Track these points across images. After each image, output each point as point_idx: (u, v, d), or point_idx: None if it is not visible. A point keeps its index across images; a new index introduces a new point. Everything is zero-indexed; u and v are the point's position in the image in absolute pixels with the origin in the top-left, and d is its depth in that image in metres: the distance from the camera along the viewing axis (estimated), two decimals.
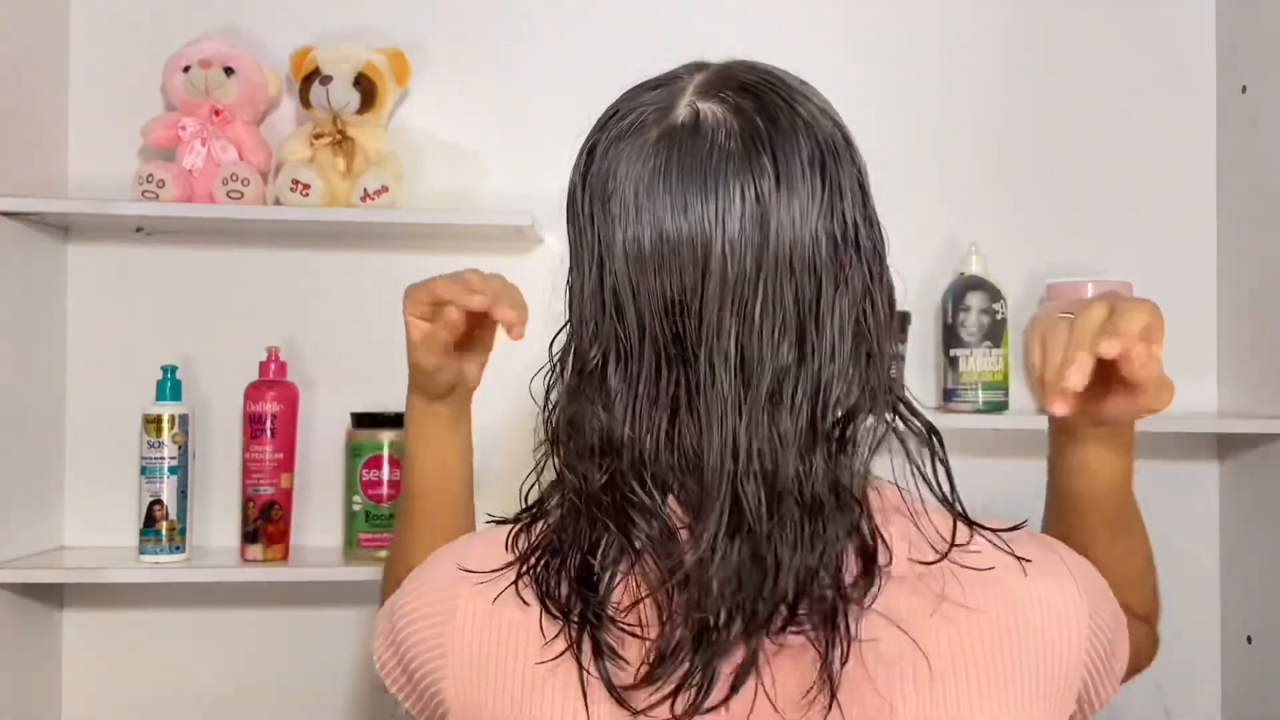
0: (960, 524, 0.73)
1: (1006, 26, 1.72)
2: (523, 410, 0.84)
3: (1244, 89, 1.66)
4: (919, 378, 1.67)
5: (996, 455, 1.67)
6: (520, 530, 0.77)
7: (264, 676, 1.63)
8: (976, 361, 1.58)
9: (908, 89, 1.70)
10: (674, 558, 0.69)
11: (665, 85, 0.75)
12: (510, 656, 0.73)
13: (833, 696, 0.68)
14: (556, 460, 0.75)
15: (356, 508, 1.53)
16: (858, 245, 0.73)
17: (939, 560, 0.71)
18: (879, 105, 1.68)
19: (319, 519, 1.62)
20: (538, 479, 0.78)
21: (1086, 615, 0.73)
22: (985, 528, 0.74)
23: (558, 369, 0.77)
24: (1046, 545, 0.77)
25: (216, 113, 1.54)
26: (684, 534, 0.70)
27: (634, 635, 0.70)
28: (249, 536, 1.51)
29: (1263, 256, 1.63)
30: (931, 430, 0.74)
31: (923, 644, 0.70)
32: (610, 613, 0.70)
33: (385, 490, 1.52)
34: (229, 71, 1.54)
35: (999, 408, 1.59)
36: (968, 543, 0.72)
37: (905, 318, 1.60)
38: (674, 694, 0.68)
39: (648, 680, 0.69)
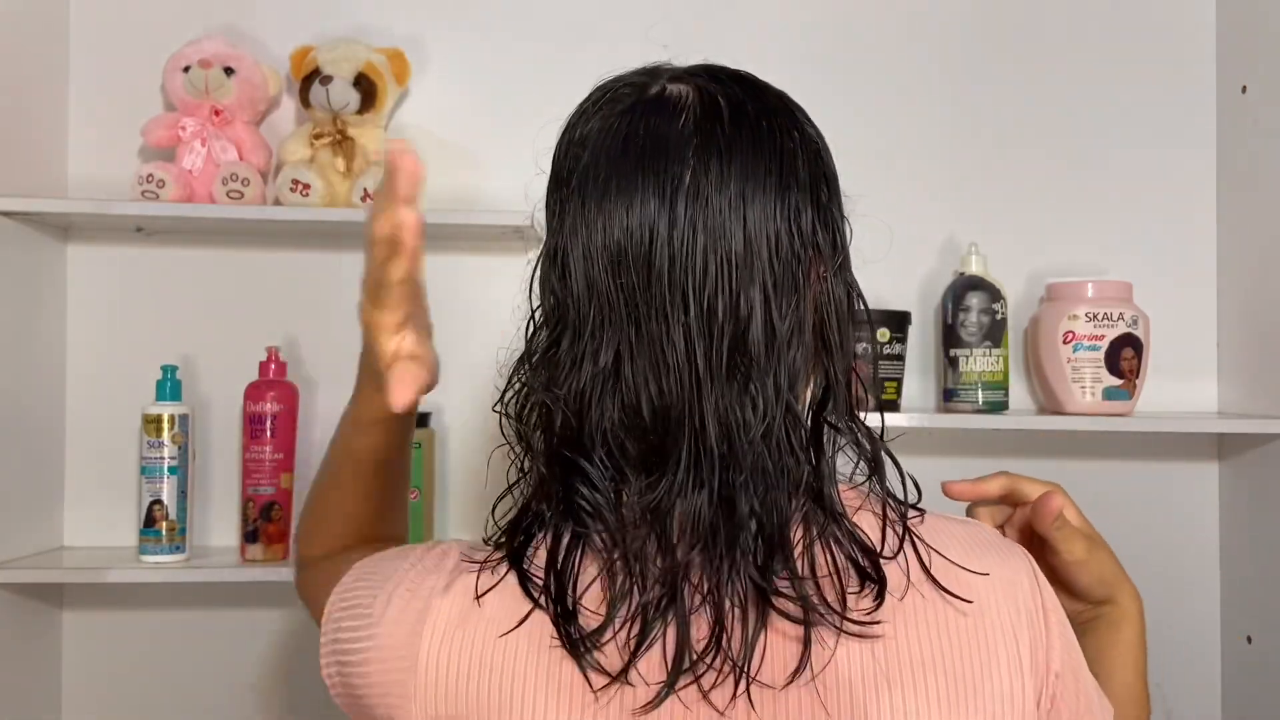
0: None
1: (1007, 26, 1.72)
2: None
3: (1244, 89, 1.66)
4: (919, 378, 1.67)
5: (996, 455, 1.67)
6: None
7: (263, 676, 1.63)
8: (976, 361, 1.58)
9: (908, 89, 1.70)
10: (629, 509, 0.68)
11: (645, 72, 0.76)
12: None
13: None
14: (519, 447, 0.74)
15: None
16: (821, 237, 0.72)
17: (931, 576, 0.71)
18: (880, 105, 1.69)
19: None
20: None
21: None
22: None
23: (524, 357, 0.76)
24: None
25: (216, 113, 1.54)
26: (631, 492, 0.69)
27: (592, 612, 0.68)
28: (249, 536, 1.51)
29: (1263, 256, 1.63)
30: (875, 452, 0.73)
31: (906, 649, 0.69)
32: (571, 592, 0.68)
33: None
34: (229, 71, 1.53)
35: (999, 408, 1.59)
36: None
37: (905, 318, 1.60)
38: (632, 660, 0.67)
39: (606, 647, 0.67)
